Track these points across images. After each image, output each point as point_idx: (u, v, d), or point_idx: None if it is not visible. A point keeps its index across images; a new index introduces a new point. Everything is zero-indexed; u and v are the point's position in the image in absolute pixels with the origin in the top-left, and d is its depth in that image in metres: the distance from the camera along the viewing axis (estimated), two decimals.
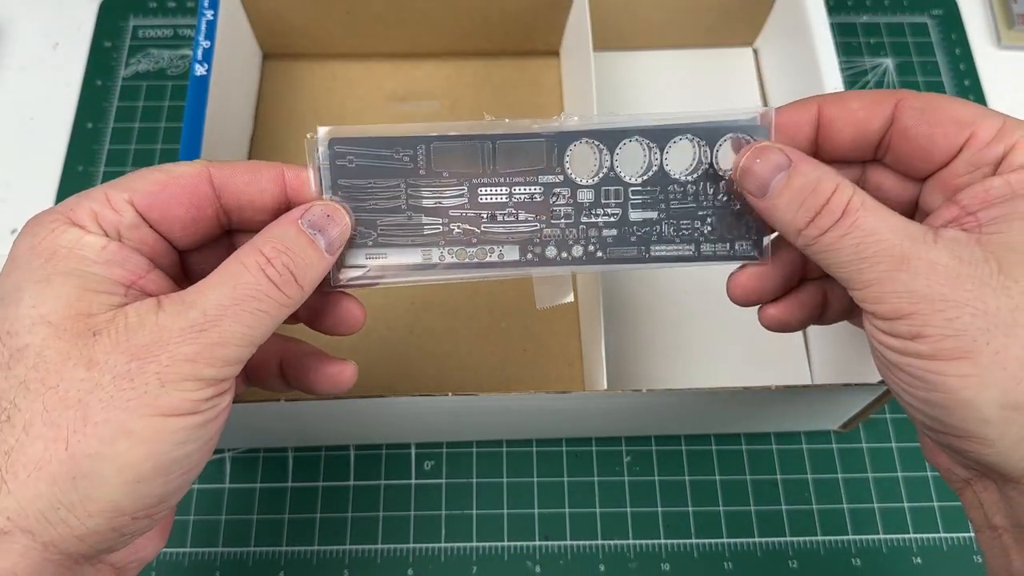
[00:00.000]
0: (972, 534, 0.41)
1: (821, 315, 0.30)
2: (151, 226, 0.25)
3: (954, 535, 0.41)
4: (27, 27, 0.53)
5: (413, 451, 0.42)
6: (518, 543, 0.40)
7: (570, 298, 0.28)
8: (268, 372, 0.29)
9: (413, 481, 0.42)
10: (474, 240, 0.28)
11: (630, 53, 0.52)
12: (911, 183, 0.28)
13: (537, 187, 0.28)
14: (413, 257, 0.28)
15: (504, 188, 0.27)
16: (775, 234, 0.29)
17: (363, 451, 0.42)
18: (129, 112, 0.51)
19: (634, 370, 0.44)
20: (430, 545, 0.40)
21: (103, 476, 0.21)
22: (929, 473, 0.42)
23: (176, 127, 0.50)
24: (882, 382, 0.35)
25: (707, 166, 0.28)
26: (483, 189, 0.27)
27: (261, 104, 0.50)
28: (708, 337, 0.45)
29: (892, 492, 0.42)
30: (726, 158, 0.28)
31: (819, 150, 0.28)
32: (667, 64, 0.52)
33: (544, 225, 0.28)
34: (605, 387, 0.36)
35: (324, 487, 0.42)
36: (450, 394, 0.35)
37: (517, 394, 0.36)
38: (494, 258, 0.28)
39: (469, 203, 0.27)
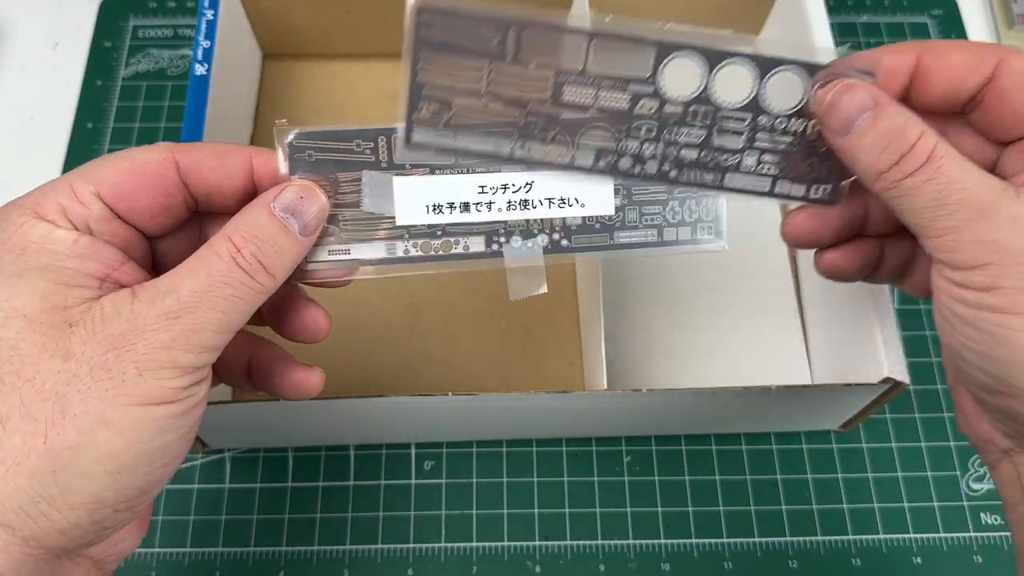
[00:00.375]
0: (972, 534, 0.41)
1: (874, 272, 0.30)
2: (120, 217, 0.24)
3: (954, 535, 0.41)
4: (27, 27, 0.53)
5: (413, 451, 0.42)
6: (518, 543, 0.40)
7: (543, 289, 0.28)
8: (236, 371, 0.29)
9: (413, 481, 0.42)
10: (549, 138, 0.26)
11: None
12: (991, 147, 0.27)
13: (625, 93, 0.26)
14: (485, 144, 0.26)
15: (591, 89, 0.26)
16: (852, 179, 0.28)
17: (363, 451, 0.42)
18: (129, 112, 0.51)
19: (634, 370, 0.44)
20: (430, 545, 0.40)
21: (83, 468, 0.21)
22: (929, 473, 0.42)
23: (176, 127, 0.50)
24: (883, 382, 0.35)
25: (803, 102, 0.27)
26: (568, 87, 0.26)
27: (261, 104, 0.50)
28: (708, 337, 0.45)
29: (892, 492, 0.42)
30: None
31: (907, 98, 0.27)
32: None
33: (624, 135, 0.27)
34: (605, 387, 0.36)
35: (324, 487, 0.41)
36: (450, 394, 0.35)
37: (517, 394, 0.36)
38: (566, 160, 0.27)
39: (552, 98, 0.26)
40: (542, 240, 0.28)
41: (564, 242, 0.28)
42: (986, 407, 0.25)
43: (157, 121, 0.50)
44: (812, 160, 0.28)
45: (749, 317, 0.45)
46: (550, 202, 0.28)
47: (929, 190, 0.24)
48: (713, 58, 0.26)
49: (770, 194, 0.28)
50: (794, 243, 0.29)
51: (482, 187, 0.27)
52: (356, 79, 0.51)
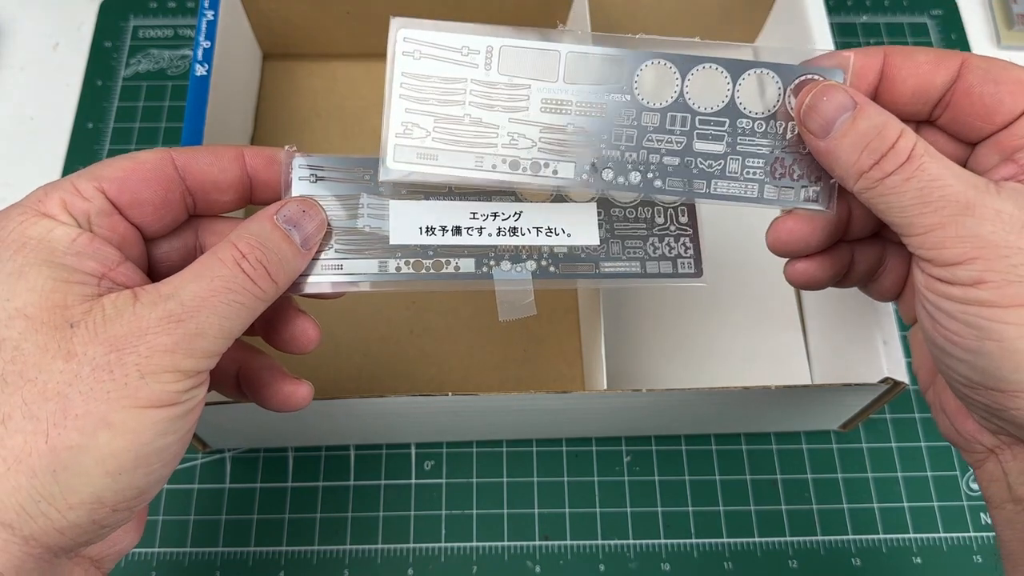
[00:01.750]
0: (972, 534, 0.41)
1: (843, 278, 0.30)
2: (121, 213, 0.25)
3: (954, 535, 0.41)
4: (27, 27, 0.53)
5: (413, 451, 0.42)
6: (518, 543, 0.40)
7: (533, 311, 0.28)
8: (225, 379, 0.29)
9: (413, 481, 0.42)
10: (534, 149, 0.27)
11: None
12: (962, 147, 0.27)
13: (602, 104, 0.27)
14: (466, 162, 0.27)
15: (569, 97, 0.27)
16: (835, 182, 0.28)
17: (363, 451, 0.42)
18: (129, 112, 0.51)
19: (634, 370, 0.44)
20: (430, 545, 0.40)
21: (84, 468, 0.21)
22: (929, 473, 0.42)
23: (176, 127, 0.50)
24: (882, 382, 0.35)
25: (779, 104, 0.27)
26: (547, 98, 0.27)
27: (261, 104, 0.50)
28: (708, 337, 0.45)
29: (892, 492, 0.42)
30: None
31: (878, 99, 0.27)
32: None
33: (604, 145, 0.27)
34: (605, 387, 0.36)
35: (324, 487, 0.42)
36: (450, 394, 0.35)
37: (517, 394, 0.36)
38: (548, 173, 0.27)
39: (530, 111, 0.27)
40: (530, 266, 0.28)
41: (552, 269, 0.29)
42: (971, 404, 0.25)
43: (157, 121, 0.50)
44: (797, 163, 0.28)
45: (749, 317, 0.45)
46: (538, 230, 0.29)
47: (911, 188, 0.24)
48: (683, 64, 0.27)
49: (759, 200, 0.28)
50: (781, 251, 0.29)
51: (474, 213, 0.28)
52: (356, 79, 0.51)
